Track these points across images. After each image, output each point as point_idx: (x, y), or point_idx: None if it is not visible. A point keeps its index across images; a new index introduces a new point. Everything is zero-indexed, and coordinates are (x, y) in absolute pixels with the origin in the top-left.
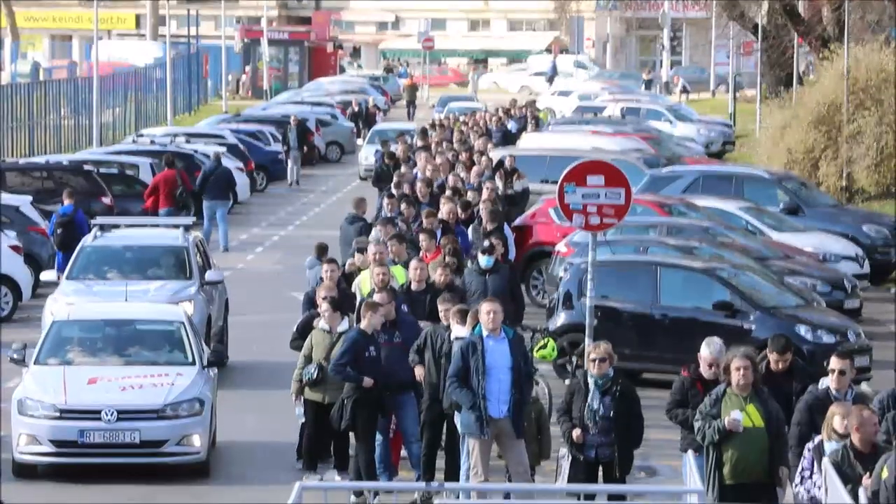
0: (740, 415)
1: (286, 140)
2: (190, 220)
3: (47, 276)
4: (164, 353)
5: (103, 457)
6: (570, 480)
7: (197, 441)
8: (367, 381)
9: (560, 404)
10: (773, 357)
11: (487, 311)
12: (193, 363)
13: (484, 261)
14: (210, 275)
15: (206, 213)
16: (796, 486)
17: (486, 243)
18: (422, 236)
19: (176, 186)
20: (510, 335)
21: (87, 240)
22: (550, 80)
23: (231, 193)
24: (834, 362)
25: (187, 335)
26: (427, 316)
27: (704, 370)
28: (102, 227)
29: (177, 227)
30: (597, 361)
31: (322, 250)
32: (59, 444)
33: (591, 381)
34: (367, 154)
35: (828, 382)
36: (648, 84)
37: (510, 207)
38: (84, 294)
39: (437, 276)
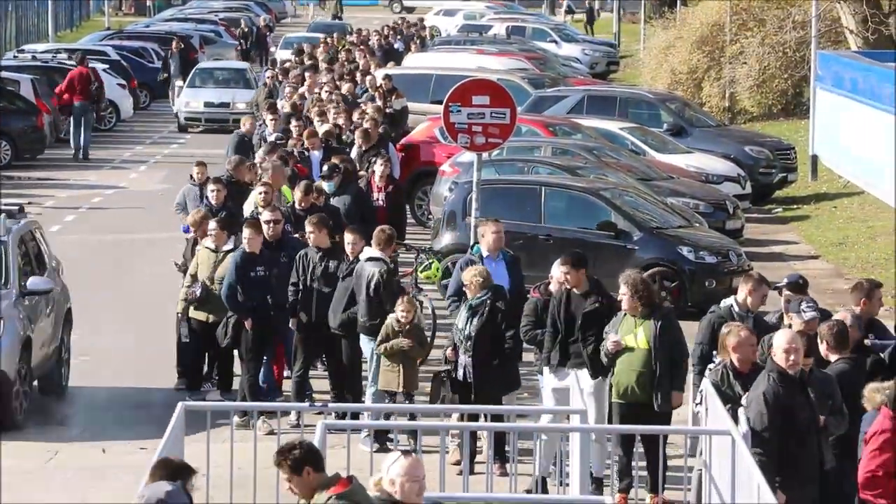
0: (617, 336)
1: (166, 66)
2: (15, 206)
3: None
4: None
5: None
6: (445, 400)
7: None
8: (249, 325)
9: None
10: (562, 270)
11: (494, 232)
12: None
13: (326, 186)
14: (34, 282)
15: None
16: (696, 405)
17: (325, 168)
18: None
19: (90, 82)
20: (507, 257)
21: None
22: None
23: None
24: (747, 282)
25: None
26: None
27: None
28: None
29: None
30: (471, 284)
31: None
32: None
33: (465, 302)
34: (188, 99)
35: (731, 301)
36: None
37: (389, 126)
38: None
39: (297, 199)
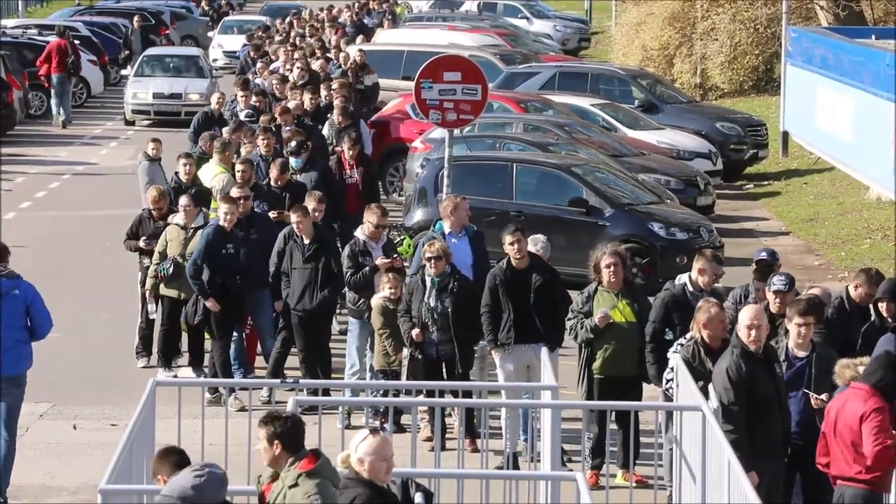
0: (605, 310)
1: (127, 43)
2: None
3: None
4: None
5: None
6: (411, 378)
7: None
8: (211, 305)
9: (401, 305)
10: (514, 238)
11: (456, 208)
12: None
13: (293, 162)
14: None
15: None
16: (667, 381)
17: (293, 144)
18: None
19: (67, 55)
20: (470, 233)
21: None
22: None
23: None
24: (698, 260)
25: None
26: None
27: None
28: None
29: None
30: (432, 260)
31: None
32: None
33: (427, 279)
34: (135, 90)
35: (685, 279)
36: None
37: (361, 103)
38: None
39: (274, 177)
